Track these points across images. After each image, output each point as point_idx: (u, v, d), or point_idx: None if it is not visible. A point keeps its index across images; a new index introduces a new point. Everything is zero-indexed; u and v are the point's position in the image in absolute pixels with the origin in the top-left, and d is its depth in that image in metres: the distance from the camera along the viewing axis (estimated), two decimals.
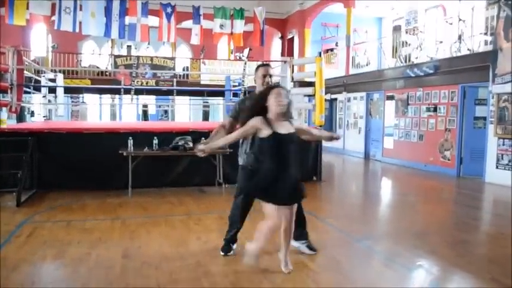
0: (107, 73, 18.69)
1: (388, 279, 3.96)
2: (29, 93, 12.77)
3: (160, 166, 7.92)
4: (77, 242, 4.77)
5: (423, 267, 4.28)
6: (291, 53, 20.19)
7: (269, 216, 3.66)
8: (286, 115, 3.70)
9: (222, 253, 4.33)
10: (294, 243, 4.37)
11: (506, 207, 7.80)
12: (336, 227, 5.77)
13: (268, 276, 3.85)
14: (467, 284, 3.91)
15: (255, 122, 3.63)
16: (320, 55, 9.87)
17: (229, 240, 4.39)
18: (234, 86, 14.94)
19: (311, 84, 10.25)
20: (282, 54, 20.91)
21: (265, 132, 3.60)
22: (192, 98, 20.39)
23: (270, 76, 4.14)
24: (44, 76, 13.83)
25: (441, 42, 12.60)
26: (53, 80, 14.03)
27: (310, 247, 4.44)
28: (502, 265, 4.34)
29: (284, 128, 3.64)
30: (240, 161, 4.36)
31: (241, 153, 4.33)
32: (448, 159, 10.85)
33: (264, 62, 4.75)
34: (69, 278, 3.83)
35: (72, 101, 19.16)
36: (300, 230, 4.36)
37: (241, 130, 3.76)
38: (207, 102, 20.83)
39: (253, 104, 3.80)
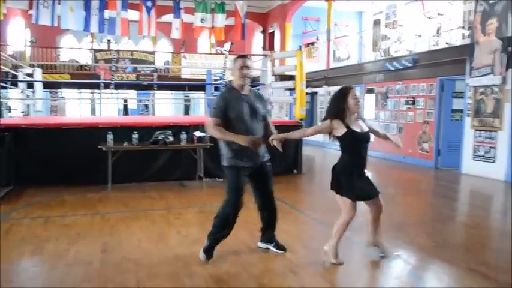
0: (87, 68, 18.47)
1: (368, 270, 4.03)
2: (6, 88, 12.53)
3: (140, 161, 7.87)
4: (55, 238, 4.72)
5: (401, 257, 4.35)
6: (272, 47, 20.20)
7: (344, 211, 3.96)
8: (359, 114, 3.99)
9: (204, 258, 3.99)
10: (262, 245, 4.34)
11: (481, 198, 7.99)
12: (316, 219, 5.82)
13: (247, 267, 3.88)
14: (444, 273, 3.99)
15: (332, 123, 3.88)
16: (300, 49, 9.91)
17: (216, 243, 4.08)
18: (215, 80, 14.89)
19: (292, 77, 10.28)
20: (263, 48, 20.91)
21: (340, 131, 3.85)
22: (173, 92, 20.28)
23: (248, 68, 3.98)
24: (21, 71, 13.60)
25: (420, 36, 12.77)
26: (31, 75, 13.81)
27: (279, 246, 4.29)
28: (477, 254, 4.45)
29: (359, 127, 3.91)
30: (225, 162, 4.06)
31: (226, 153, 4.02)
32: (427, 151, 11.02)
33: (243, 54, 4.55)
34: (47, 275, 3.79)
35: (51, 96, 18.88)
36: (269, 232, 4.30)
37: (317, 128, 4.25)
38: (188, 97, 20.73)
39: (335, 105, 3.94)
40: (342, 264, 3.96)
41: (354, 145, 3.93)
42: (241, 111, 3.90)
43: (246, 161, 3.98)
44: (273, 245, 4.30)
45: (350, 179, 3.90)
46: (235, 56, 4.17)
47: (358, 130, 3.91)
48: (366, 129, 3.98)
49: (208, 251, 4.00)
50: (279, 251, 4.26)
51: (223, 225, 4.02)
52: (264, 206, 4.26)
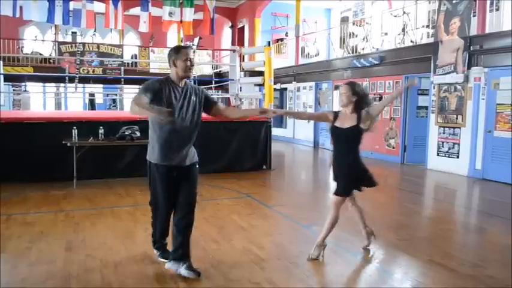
0: (51, 60, 17.94)
1: (335, 264, 4.08)
2: None
3: (106, 156, 7.72)
4: (17, 237, 4.58)
5: (368, 251, 4.42)
6: (241, 43, 20.14)
7: (331, 207, 4.18)
8: (354, 108, 4.01)
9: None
10: (171, 266, 3.62)
11: (445, 193, 8.21)
12: (285, 214, 5.85)
13: (214, 263, 3.86)
14: (410, 266, 4.08)
15: (327, 113, 4.24)
16: (269, 44, 9.93)
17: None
18: None
19: (261, 73, 10.29)
20: (232, 44, 20.81)
21: (329, 125, 4.08)
22: (141, 86, 19.95)
23: (191, 60, 3.64)
24: None
25: (386, 34, 12.97)
26: None
27: (192, 269, 3.55)
28: (439, 247, 4.57)
29: (344, 122, 3.99)
30: (153, 159, 3.62)
31: (153, 146, 3.62)
32: (393, 147, 11.23)
33: (186, 44, 4.39)
34: (8, 274, 3.67)
35: (14, 90, 18.28)
36: (181, 251, 3.56)
37: (315, 114, 4.27)
38: None
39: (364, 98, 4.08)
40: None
41: (333, 140, 4.13)
42: (171, 101, 3.52)
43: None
44: (185, 266, 3.56)
45: (336, 175, 4.27)
46: (177, 46, 3.84)
47: (338, 125, 4.01)
48: (351, 124, 3.99)
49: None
50: (192, 275, 3.53)
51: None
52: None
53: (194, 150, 3.74)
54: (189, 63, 3.62)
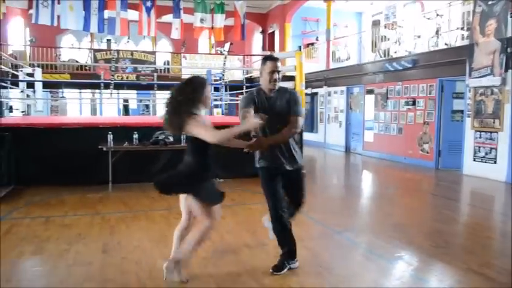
0: (87, 67, 18.45)
1: (368, 271, 4.03)
2: (6, 88, 12.53)
3: (140, 161, 7.86)
4: (55, 238, 4.72)
5: (402, 258, 4.35)
6: (271, 48, 20.20)
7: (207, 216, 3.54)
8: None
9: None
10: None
11: (482, 199, 7.99)
12: (317, 220, 5.82)
13: (248, 268, 3.88)
14: (445, 274, 3.99)
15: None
16: (300, 49, 9.91)
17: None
18: (215, 80, 14.89)
19: (292, 78, 10.28)
20: (263, 49, 20.92)
21: None
22: None
23: (279, 72, 3.67)
24: (21, 71, 13.60)
25: (419, 36, 12.76)
26: (31, 75, 13.80)
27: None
28: (478, 255, 4.44)
29: None
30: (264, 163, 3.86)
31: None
32: (427, 152, 11.02)
33: (272, 55, 4.26)
34: (47, 275, 3.79)
35: (52, 96, 18.86)
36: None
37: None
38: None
39: None
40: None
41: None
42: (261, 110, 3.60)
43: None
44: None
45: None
46: (265, 57, 3.86)
47: None
48: None
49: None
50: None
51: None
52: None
53: (298, 153, 3.91)
54: (275, 75, 3.65)
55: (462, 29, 11.41)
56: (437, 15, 11.62)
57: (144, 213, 5.91)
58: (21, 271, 3.93)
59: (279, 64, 3.71)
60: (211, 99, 3.60)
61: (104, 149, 7.18)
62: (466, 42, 10.32)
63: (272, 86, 3.68)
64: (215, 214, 3.54)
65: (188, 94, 3.43)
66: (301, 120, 3.74)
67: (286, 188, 3.83)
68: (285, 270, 3.79)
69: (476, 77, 9.26)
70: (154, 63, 18.71)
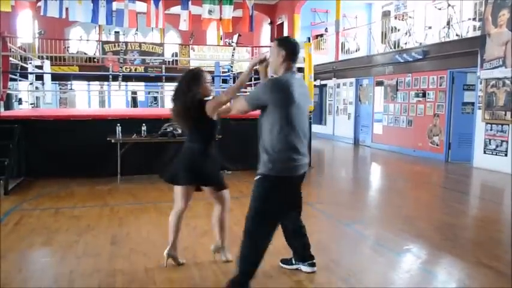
0: (95, 60, 18.50)
1: (377, 263, 4.01)
2: (16, 80, 12.58)
3: (149, 153, 7.88)
4: (65, 230, 4.75)
5: (411, 251, 4.32)
6: None
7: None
8: None
9: None
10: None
11: (493, 192, 7.91)
12: (325, 212, 5.80)
13: None
14: (454, 267, 3.96)
15: None
16: (309, 41, 9.84)
17: None
18: (224, 72, 14.84)
19: (300, 70, 10.21)
20: (271, 40, 20.78)
21: None
22: None
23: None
24: (30, 63, 13.63)
25: (430, 27, 12.60)
26: (40, 67, 13.84)
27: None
28: (487, 248, 4.41)
29: None
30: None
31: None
32: (437, 145, 10.93)
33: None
34: (56, 265, 3.81)
35: (60, 88, 18.95)
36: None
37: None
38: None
39: None
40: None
41: None
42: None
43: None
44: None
45: None
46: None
47: None
48: None
49: None
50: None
51: None
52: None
53: (263, 158, 3.26)
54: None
55: (474, 19, 11.25)
56: (449, 5, 11.45)
57: (153, 205, 5.92)
58: (31, 262, 3.95)
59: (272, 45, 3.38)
60: (211, 88, 3.60)
61: (113, 141, 7.20)
62: (477, 33, 10.17)
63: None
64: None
65: (185, 88, 3.58)
66: (236, 102, 3.37)
67: None
68: (293, 267, 3.74)
69: (488, 69, 9.14)
70: (162, 55, 18.70)
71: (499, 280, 3.61)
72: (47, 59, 14.89)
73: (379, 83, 13.39)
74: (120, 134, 7.24)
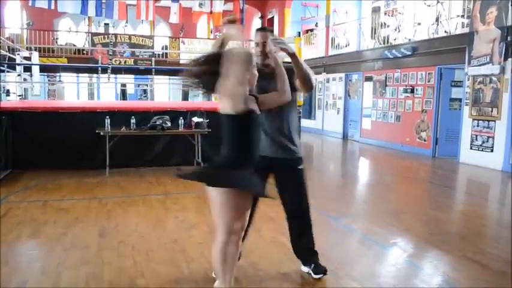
0: (84, 51, 18.33)
1: (364, 256, 4.06)
2: (3, 71, 12.44)
3: (138, 145, 7.86)
4: (52, 222, 4.73)
5: (398, 244, 4.38)
6: None
7: None
8: None
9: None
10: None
11: (478, 187, 8.03)
12: (314, 206, 5.80)
13: (244, 254, 3.89)
14: (440, 261, 4.02)
15: None
16: (299, 35, 9.87)
17: None
18: None
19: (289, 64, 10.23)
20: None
21: None
22: (171, 77, 20.16)
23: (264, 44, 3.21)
24: (18, 54, 13.48)
25: (419, 24, 12.67)
26: (28, 58, 13.70)
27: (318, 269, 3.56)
28: (472, 243, 4.48)
29: None
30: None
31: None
32: (424, 140, 11.03)
33: (265, 26, 3.61)
34: (44, 258, 3.81)
35: (49, 80, 18.76)
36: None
37: None
38: (187, 82, 20.55)
39: None
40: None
41: None
42: None
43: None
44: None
45: None
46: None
47: None
48: None
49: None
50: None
51: None
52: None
53: (294, 142, 3.45)
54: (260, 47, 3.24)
55: (462, 16, 11.33)
56: (438, 2, 11.53)
57: (141, 198, 5.92)
58: (18, 254, 3.94)
59: (269, 35, 3.23)
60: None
61: (101, 133, 7.17)
62: (466, 30, 10.26)
63: (260, 60, 3.22)
64: None
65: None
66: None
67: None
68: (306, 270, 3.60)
69: (475, 65, 9.23)
70: (152, 47, 18.60)
71: (483, 273, 3.68)
72: (36, 50, 14.74)
73: (368, 79, 13.45)
74: (109, 127, 7.21)
